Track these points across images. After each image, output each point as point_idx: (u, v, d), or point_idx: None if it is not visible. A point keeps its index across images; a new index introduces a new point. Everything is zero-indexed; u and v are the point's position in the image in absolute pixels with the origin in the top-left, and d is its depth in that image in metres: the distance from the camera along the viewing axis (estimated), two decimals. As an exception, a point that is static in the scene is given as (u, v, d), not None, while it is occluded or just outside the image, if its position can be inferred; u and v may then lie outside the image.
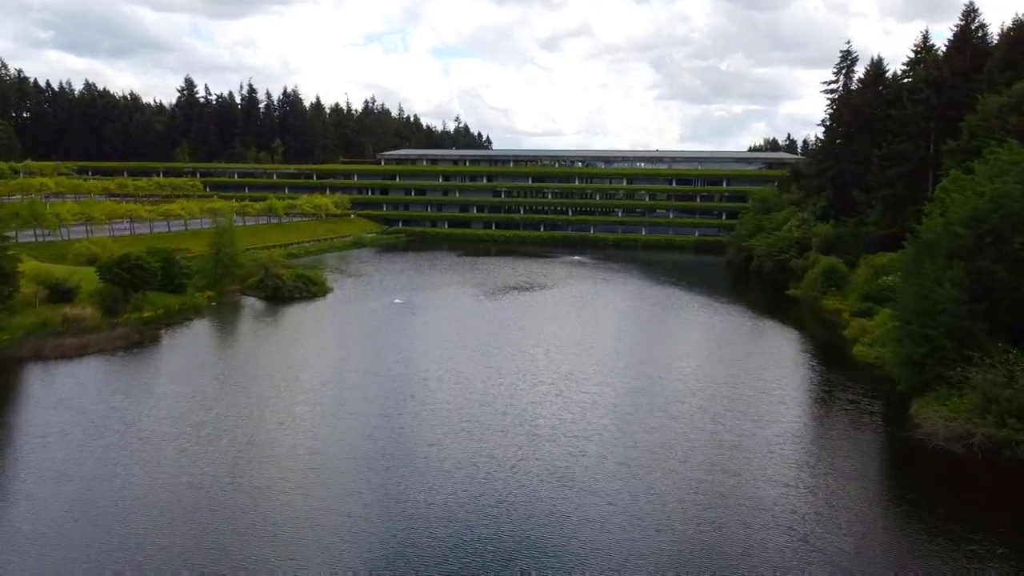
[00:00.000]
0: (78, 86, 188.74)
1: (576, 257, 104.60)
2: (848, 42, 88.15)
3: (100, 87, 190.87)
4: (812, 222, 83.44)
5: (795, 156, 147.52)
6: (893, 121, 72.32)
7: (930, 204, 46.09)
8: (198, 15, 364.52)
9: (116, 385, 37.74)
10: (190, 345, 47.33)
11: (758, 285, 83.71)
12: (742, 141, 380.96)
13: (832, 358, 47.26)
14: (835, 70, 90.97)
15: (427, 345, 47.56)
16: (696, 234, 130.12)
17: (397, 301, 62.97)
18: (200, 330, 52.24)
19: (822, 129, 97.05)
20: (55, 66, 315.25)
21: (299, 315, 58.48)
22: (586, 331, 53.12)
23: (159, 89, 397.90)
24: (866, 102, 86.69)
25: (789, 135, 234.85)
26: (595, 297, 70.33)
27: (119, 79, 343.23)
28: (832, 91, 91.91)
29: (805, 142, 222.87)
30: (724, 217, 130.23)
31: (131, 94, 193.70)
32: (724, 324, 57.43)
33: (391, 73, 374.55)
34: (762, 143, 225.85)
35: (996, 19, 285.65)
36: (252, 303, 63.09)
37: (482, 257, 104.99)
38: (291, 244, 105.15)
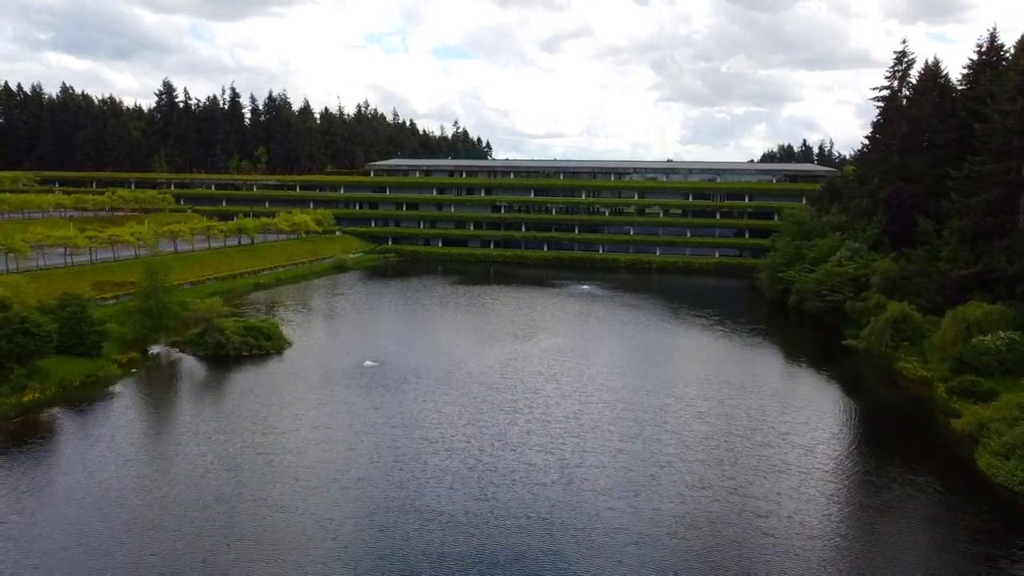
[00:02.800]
0: (54, 89, 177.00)
1: (585, 286, 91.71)
2: (904, 42, 75.74)
3: (101, 89, 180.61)
4: (866, 253, 70.86)
5: (825, 168, 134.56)
6: (976, 136, 59.66)
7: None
8: (198, 16, 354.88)
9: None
10: (66, 454, 34.04)
11: (801, 326, 71.06)
12: (744, 143, 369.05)
13: (951, 472, 34.21)
14: (888, 74, 78.59)
15: (396, 450, 34.85)
16: (716, 255, 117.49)
17: (368, 364, 50.06)
18: (93, 422, 38.50)
19: (867, 140, 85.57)
20: (55, 67, 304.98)
21: (239, 387, 45.71)
22: (610, 416, 40.47)
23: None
24: (924, 112, 74.38)
25: (805, 141, 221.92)
26: (614, 353, 57.69)
27: (119, 81, 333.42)
28: (883, 98, 79.57)
29: (821, 149, 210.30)
30: (747, 236, 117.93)
31: (110, 98, 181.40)
32: (783, 394, 44.68)
33: (391, 74, 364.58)
34: (766, 147, 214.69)
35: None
36: (187, 366, 50.38)
37: (479, 286, 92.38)
38: (262, 271, 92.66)
